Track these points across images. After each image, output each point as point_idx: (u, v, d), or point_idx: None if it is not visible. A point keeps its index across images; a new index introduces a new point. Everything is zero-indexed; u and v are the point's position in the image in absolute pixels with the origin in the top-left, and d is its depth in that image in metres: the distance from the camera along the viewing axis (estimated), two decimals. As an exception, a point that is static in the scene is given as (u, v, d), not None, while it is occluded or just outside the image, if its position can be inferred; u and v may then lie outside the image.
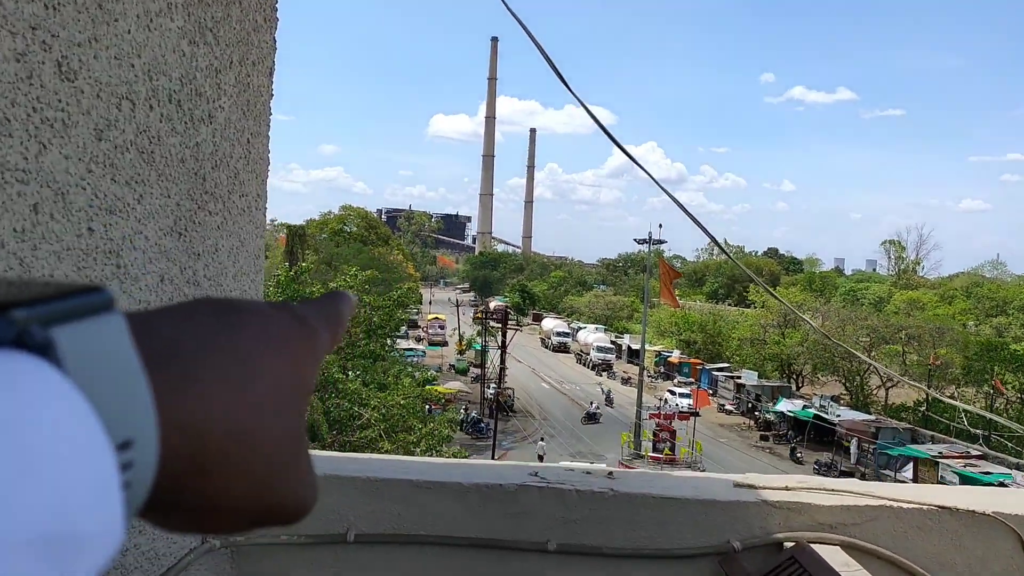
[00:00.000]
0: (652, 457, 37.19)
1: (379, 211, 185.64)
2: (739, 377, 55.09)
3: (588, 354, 70.86)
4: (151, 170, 1.57)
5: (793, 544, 2.07)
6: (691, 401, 46.67)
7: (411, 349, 54.68)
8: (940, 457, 34.76)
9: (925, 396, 47.04)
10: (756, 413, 50.41)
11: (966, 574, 2.13)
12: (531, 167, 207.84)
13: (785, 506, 2.16)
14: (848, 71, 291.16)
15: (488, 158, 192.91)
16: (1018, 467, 32.73)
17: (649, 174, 3.18)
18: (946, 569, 2.13)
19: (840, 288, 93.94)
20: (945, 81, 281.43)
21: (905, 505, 2.14)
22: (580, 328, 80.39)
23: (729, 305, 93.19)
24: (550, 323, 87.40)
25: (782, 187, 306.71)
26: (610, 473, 2.33)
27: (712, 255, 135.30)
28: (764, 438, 46.81)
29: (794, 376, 59.23)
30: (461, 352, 67.49)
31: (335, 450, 19.92)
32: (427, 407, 28.75)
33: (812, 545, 2.06)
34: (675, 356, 65.71)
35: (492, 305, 67.62)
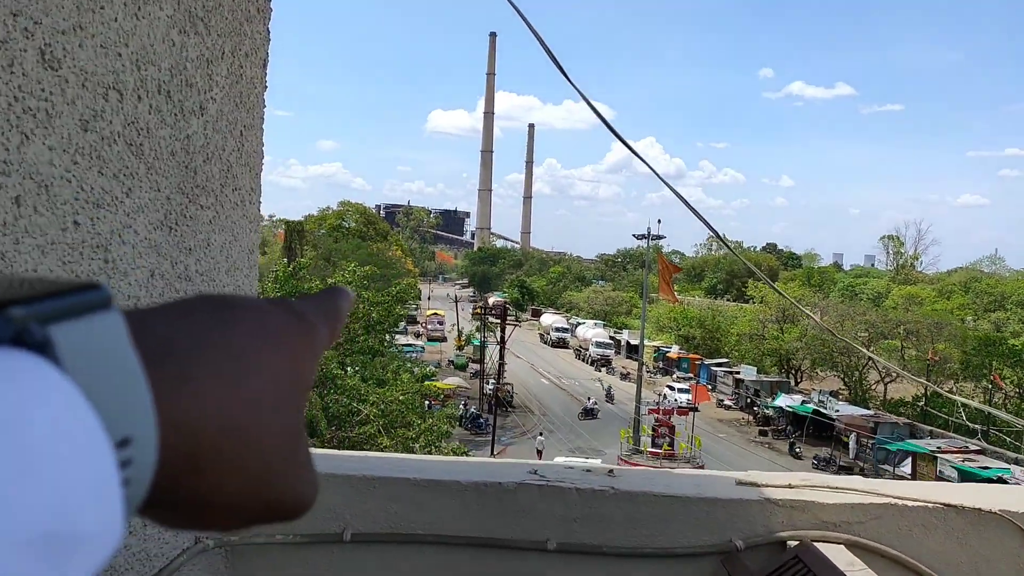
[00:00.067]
0: (651, 452, 37.20)
1: (378, 207, 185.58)
2: (738, 372, 55.10)
3: (587, 350, 70.87)
4: (140, 163, 1.53)
5: (797, 543, 2.03)
6: (690, 396, 46.70)
7: (410, 345, 54.66)
8: (939, 452, 34.79)
9: (924, 391, 47.09)
10: (755, 408, 50.43)
11: (971, 573, 2.10)
12: (530, 162, 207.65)
13: (788, 504, 2.12)
14: (847, 66, 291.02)
15: (487, 153, 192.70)
16: (1017, 462, 32.76)
17: (650, 167, 3.14)
18: (951, 567, 2.10)
19: (839, 283, 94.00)
20: (943, 76, 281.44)
21: (910, 503, 2.11)
22: (579, 324, 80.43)
23: (728, 300, 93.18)
24: (549, 319, 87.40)
25: (781, 182, 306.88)
26: (610, 471, 2.30)
27: (711, 250, 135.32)
28: (763, 433, 46.83)
29: (793, 371, 59.27)
30: (460, 348, 67.48)
31: (334, 446, 19.92)
32: (426, 403, 28.76)
33: (816, 544, 2.03)
34: (674, 351, 65.71)
35: (491, 301, 67.58)
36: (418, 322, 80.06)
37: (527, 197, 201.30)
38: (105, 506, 0.28)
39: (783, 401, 47.25)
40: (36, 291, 0.29)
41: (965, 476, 31.54)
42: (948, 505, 2.10)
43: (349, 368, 23.38)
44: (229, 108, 1.93)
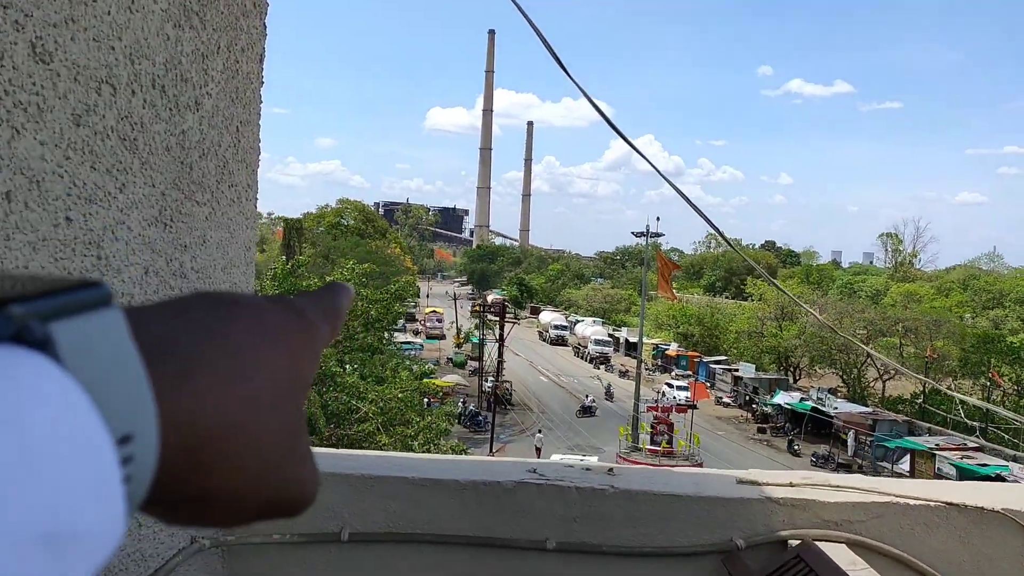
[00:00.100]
0: (650, 450, 37.16)
1: (376, 204, 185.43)
2: (736, 370, 55.09)
3: (586, 347, 70.85)
4: (134, 158, 1.51)
5: (799, 542, 2.02)
6: (689, 394, 46.69)
7: (409, 342, 54.62)
8: (937, 449, 34.82)
9: (922, 388, 47.14)
10: (754, 406, 50.44)
11: (974, 572, 2.08)
12: (528, 160, 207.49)
13: (789, 503, 2.11)
14: (845, 64, 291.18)
15: (485, 151, 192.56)
16: (1015, 459, 32.78)
17: (650, 162, 3.12)
18: (954, 566, 2.08)
19: (837, 281, 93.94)
20: (942, 74, 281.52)
21: (912, 502, 2.10)
22: (578, 321, 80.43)
23: (726, 298, 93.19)
24: (548, 316, 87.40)
25: (779, 180, 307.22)
26: (610, 469, 2.28)
27: (710, 248, 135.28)
28: (762, 431, 46.83)
29: (791, 369, 59.27)
30: (459, 345, 67.46)
31: (332, 444, 19.91)
32: (425, 401, 28.73)
33: (817, 543, 2.01)
34: (673, 349, 65.70)
35: (490, 298, 67.60)
36: (417, 320, 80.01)
37: (526, 195, 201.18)
38: (106, 503, 0.28)
39: (782, 399, 47.24)
40: (36, 289, 0.29)
41: (963, 473, 31.57)
42: (950, 504, 2.08)
43: (348, 366, 23.37)
44: (225, 103, 1.91)
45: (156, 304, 0.36)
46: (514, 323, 51.12)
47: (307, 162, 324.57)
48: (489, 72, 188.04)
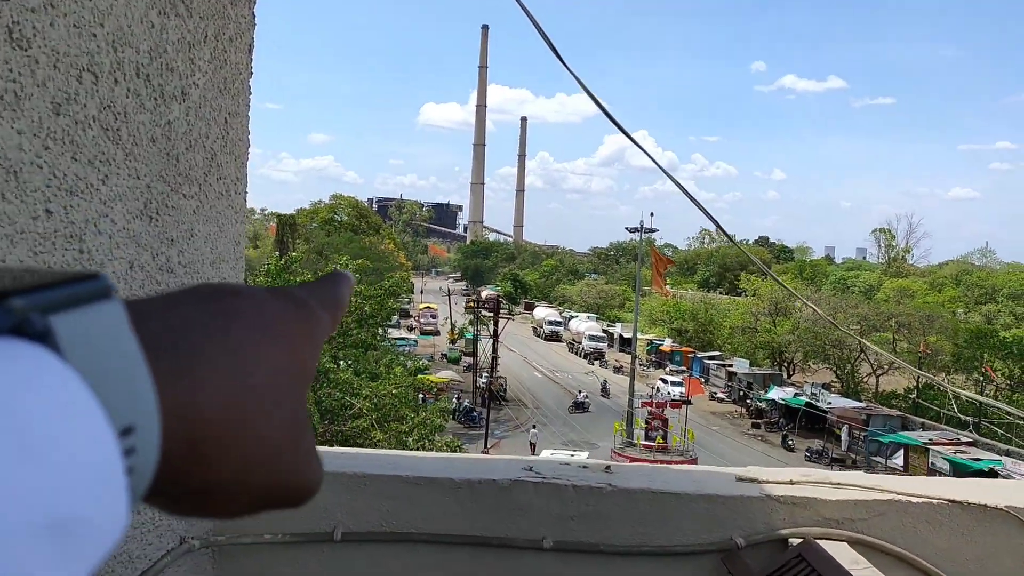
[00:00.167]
0: (644, 445, 37.20)
1: (370, 200, 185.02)
2: (731, 365, 55.19)
3: (580, 343, 70.85)
4: (117, 149, 1.46)
5: (800, 541, 1.98)
6: (683, 389, 46.74)
7: (403, 338, 54.55)
8: (931, 444, 34.94)
9: (916, 383, 47.26)
10: (748, 401, 50.53)
11: (977, 569, 2.05)
12: (522, 156, 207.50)
13: (789, 501, 2.07)
14: (838, 59, 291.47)
15: (479, 147, 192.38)
16: (1008, 453, 32.89)
17: (648, 154, 3.08)
18: (957, 564, 2.05)
19: (830, 276, 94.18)
20: (935, 69, 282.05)
21: (914, 499, 2.06)
22: (572, 317, 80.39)
23: (720, 293, 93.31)
24: (542, 312, 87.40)
25: (773, 176, 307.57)
26: (608, 467, 2.24)
27: (704, 243, 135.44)
28: (756, 426, 46.92)
29: (785, 364, 59.35)
30: (453, 341, 67.40)
31: (327, 440, 19.88)
32: (419, 397, 28.70)
33: (819, 541, 1.98)
34: (667, 344, 65.71)
35: (484, 294, 67.47)
36: (411, 316, 79.96)
37: (520, 190, 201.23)
38: (110, 493, 0.28)
39: (776, 394, 47.33)
40: (36, 281, 0.29)
41: (957, 468, 31.68)
42: (953, 501, 2.05)
43: (342, 362, 23.32)
44: (213, 94, 1.86)
45: (157, 296, 0.36)
46: (508, 319, 51.09)
47: (300, 158, 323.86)
48: (483, 67, 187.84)
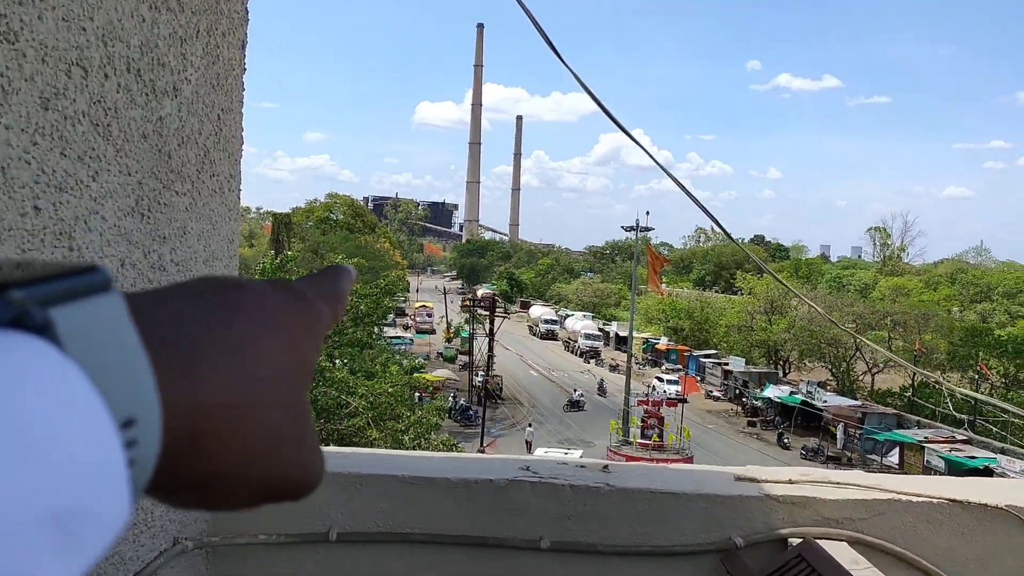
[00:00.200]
0: (640, 444, 37.21)
1: (366, 199, 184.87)
2: (726, 364, 55.24)
3: (576, 341, 70.84)
4: (108, 145, 1.44)
5: (800, 541, 1.97)
6: (679, 388, 46.75)
7: (399, 337, 54.53)
8: (926, 442, 35.00)
9: (911, 381, 47.37)
10: (743, 399, 50.57)
11: (978, 569, 2.04)
12: (518, 154, 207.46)
13: (789, 500, 2.06)
14: (833, 58, 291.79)
15: (475, 145, 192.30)
16: (1003, 451, 32.97)
17: (646, 151, 3.07)
18: (957, 564, 2.04)
19: (826, 275, 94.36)
20: (930, 68, 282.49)
21: (914, 499, 2.05)
22: (568, 316, 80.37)
23: (716, 292, 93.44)
24: (538, 311, 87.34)
25: (768, 175, 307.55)
26: (605, 467, 2.22)
27: (699, 242, 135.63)
28: (751, 424, 46.96)
29: (781, 362, 59.44)
30: (449, 340, 67.35)
31: (323, 439, 19.83)
32: (416, 395, 28.67)
33: (818, 541, 1.96)
34: (663, 343, 65.77)
35: (480, 293, 67.47)
36: (407, 314, 79.93)
37: (515, 189, 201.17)
38: (111, 485, 0.28)
39: (771, 392, 47.38)
40: (35, 274, 0.29)
41: (952, 466, 31.75)
42: (954, 500, 2.04)
43: (338, 361, 23.26)
44: (205, 90, 1.84)
45: (158, 289, 0.36)
46: (504, 317, 51.03)
47: (296, 156, 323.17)
48: (478, 66, 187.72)
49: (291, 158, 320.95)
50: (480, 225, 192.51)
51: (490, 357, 44.71)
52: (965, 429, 38.22)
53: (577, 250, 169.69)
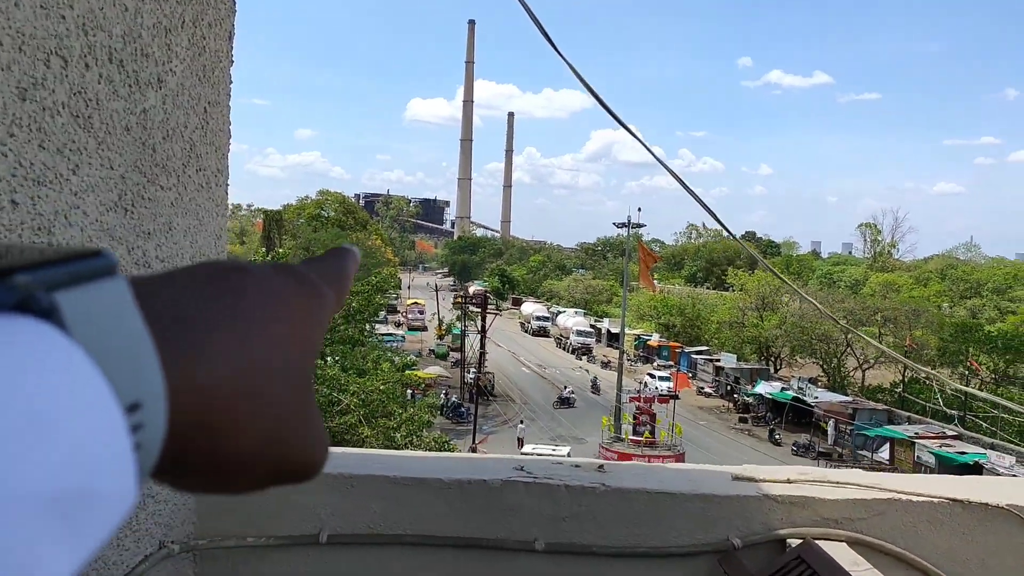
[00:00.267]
0: (632, 440, 37.26)
1: (357, 196, 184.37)
2: (718, 360, 55.34)
3: (568, 338, 70.87)
4: (89, 137, 1.39)
5: (799, 542, 1.93)
6: (671, 384, 46.82)
7: (390, 334, 54.41)
8: (916, 437, 35.13)
9: (901, 377, 47.56)
10: (735, 395, 50.68)
11: (979, 569, 2.01)
12: (509, 151, 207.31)
13: (787, 500, 2.03)
14: (824, 55, 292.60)
15: (466, 142, 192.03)
16: (993, 447, 33.13)
17: (645, 145, 3.04)
18: (958, 564, 2.01)
19: (817, 271, 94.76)
20: (920, 65, 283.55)
21: (914, 498, 2.02)
22: (560, 312, 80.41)
23: (708, 288, 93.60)
24: (530, 307, 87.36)
25: (760, 171, 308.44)
26: (601, 466, 2.19)
27: (691, 239, 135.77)
28: (743, 420, 47.07)
29: (772, 359, 59.58)
30: (440, 337, 67.26)
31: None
32: (408, 392, 28.60)
33: (817, 542, 1.93)
34: (654, 339, 65.85)
35: (471, 290, 67.43)
36: (398, 311, 79.77)
37: (507, 186, 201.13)
38: (117, 468, 0.28)
39: (763, 388, 47.50)
40: (40, 258, 0.29)
41: (942, 461, 31.90)
42: (954, 500, 2.01)
43: (329, 358, 23.19)
44: (191, 82, 1.79)
45: (162, 273, 0.36)
46: (496, 314, 50.97)
47: (287, 153, 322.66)
48: (469, 63, 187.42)
49: (282, 155, 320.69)
50: (472, 222, 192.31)
51: (482, 354, 44.64)
52: (955, 425, 38.40)
53: (569, 247, 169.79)
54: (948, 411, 40.96)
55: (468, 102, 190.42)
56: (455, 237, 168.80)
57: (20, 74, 1.19)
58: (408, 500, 2.06)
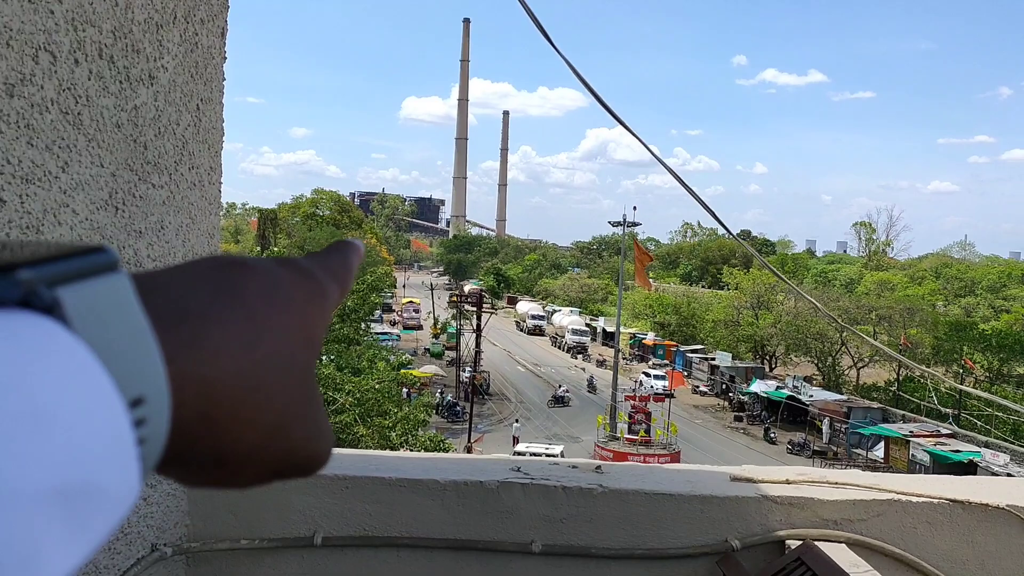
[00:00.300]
0: (628, 439, 37.27)
1: (352, 195, 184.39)
2: (713, 359, 55.41)
3: (563, 337, 70.90)
4: (79, 134, 1.36)
5: (799, 543, 1.92)
6: (666, 383, 46.86)
7: (385, 333, 54.46)
8: (911, 436, 35.21)
9: (896, 376, 47.65)
10: (730, 394, 50.75)
11: (978, 570, 2.00)
12: (504, 150, 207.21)
13: (786, 501, 2.01)
14: (819, 53, 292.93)
15: (461, 141, 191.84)
16: (987, 445, 33.21)
17: (643, 141, 3.02)
18: (957, 565, 2.00)
19: (812, 270, 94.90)
20: (914, 64, 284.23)
21: (914, 499, 2.00)
22: (555, 311, 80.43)
23: (703, 287, 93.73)
24: (525, 306, 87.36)
25: (755, 170, 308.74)
26: (598, 467, 2.17)
27: (686, 237, 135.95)
28: (738, 419, 47.13)
29: (767, 357, 59.68)
30: (436, 336, 67.24)
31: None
32: (403, 391, 28.59)
33: (816, 543, 1.92)
34: (650, 338, 65.92)
35: (467, 288, 67.35)
36: (393, 310, 79.72)
37: (502, 184, 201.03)
38: (121, 463, 0.28)
39: (758, 387, 47.57)
40: (43, 254, 0.29)
41: (937, 459, 31.97)
42: (954, 501, 2.00)
43: (324, 357, 23.16)
44: (183, 79, 1.76)
45: (165, 268, 0.36)
46: (491, 313, 50.93)
47: (282, 152, 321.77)
48: (464, 61, 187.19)
49: (277, 154, 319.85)
50: (467, 221, 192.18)
51: (477, 353, 44.62)
52: (950, 423, 38.49)
53: (564, 245, 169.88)
54: (942, 410, 41.06)
55: (463, 100, 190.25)
56: (450, 236, 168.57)
57: (8, 70, 1.17)
58: (403, 502, 2.03)
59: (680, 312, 67.64)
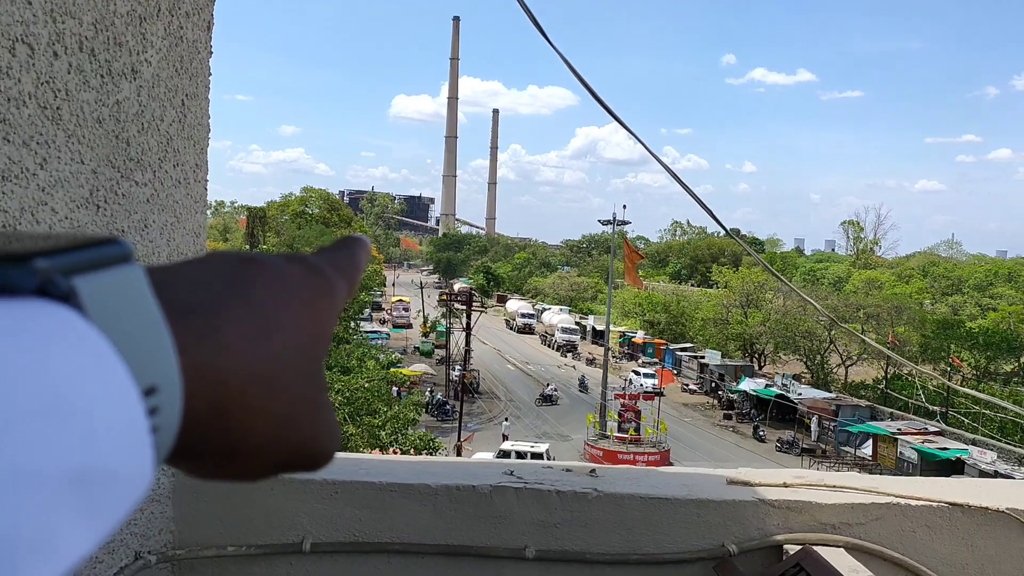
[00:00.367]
0: (617, 437, 37.30)
1: (341, 193, 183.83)
2: (702, 357, 55.49)
3: (553, 335, 70.90)
4: (58, 129, 1.32)
5: (798, 548, 1.88)
6: (655, 381, 46.93)
7: (375, 332, 54.31)
8: (899, 433, 35.36)
9: (884, 374, 47.88)
10: (719, 392, 50.85)
11: (977, 574, 1.97)
12: (494, 148, 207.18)
13: (784, 505, 1.98)
14: (808, 53, 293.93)
15: (451, 139, 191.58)
16: (974, 443, 33.38)
17: (639, 138, 2.99)
18: (956, 569, 1.97)
19: (800, 268, 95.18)
20: (902, 63, 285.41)
21: (913, 502, 1.98)
22: (545, 309, 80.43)
23: (692, 286, 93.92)
24: (515, 304, 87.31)
25: (744, 168, 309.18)
26: (593, 471, 2.13)
27: (675, 236, 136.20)
28: (727, 417, 47.24)
29: (756, 355, 59.84)
30: (426, 334, 67.11)
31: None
32: (393, 390, 28.51)
33: (815, 547, 1.88)
34: (639, 337, 65.98)
35: (456, 287, 67.27)
36: (383, 309, 79.54)
37: (492, 183, 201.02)
38: (135, 449, 0.29)
39: (747, 385, 47.68)
40: (58, 244, 0.30)
41: (925, 457, 32.12)
42: (954, 504, 1.97)
43: (313, 356, 23.07)
44: (168, 73, 1.71)
45: (177, 263, 0.37)
46: (481, 312, 50.87)
47: (271, 150, 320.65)
48: (454, 59, 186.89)
49: (266, 152, 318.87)
50: (457, 219, 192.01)
51: (467, 351, 44.55)
52: (937, 421, 38.68)
53: (554, 244, 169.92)
54: (930, 407, 41.26)
55: (453, 99, 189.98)
56: (440, 234, 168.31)
57: (-19, 62, 1.12)
58: (394, 507, 1.99)
59: (669, 310, 67.74)
